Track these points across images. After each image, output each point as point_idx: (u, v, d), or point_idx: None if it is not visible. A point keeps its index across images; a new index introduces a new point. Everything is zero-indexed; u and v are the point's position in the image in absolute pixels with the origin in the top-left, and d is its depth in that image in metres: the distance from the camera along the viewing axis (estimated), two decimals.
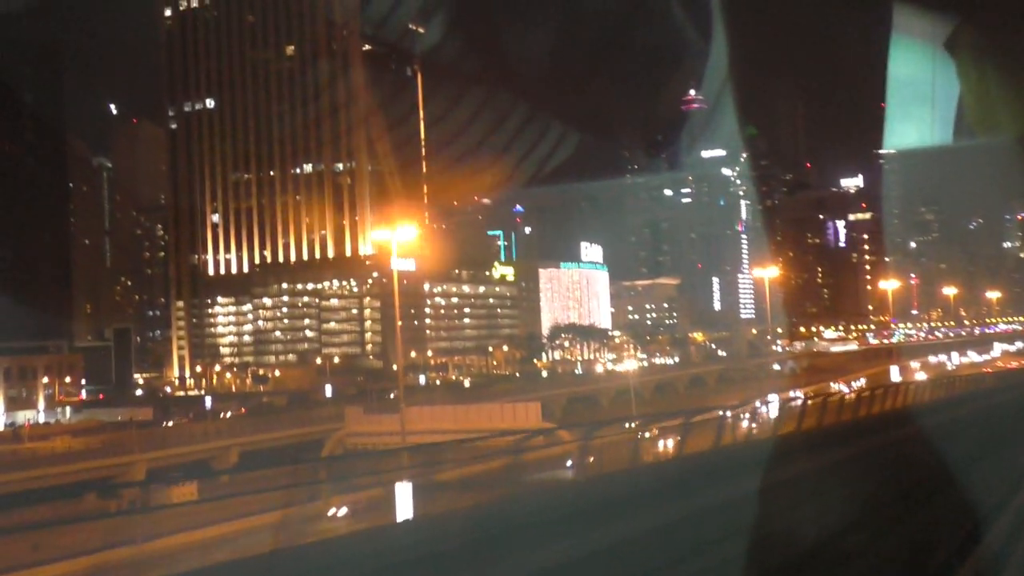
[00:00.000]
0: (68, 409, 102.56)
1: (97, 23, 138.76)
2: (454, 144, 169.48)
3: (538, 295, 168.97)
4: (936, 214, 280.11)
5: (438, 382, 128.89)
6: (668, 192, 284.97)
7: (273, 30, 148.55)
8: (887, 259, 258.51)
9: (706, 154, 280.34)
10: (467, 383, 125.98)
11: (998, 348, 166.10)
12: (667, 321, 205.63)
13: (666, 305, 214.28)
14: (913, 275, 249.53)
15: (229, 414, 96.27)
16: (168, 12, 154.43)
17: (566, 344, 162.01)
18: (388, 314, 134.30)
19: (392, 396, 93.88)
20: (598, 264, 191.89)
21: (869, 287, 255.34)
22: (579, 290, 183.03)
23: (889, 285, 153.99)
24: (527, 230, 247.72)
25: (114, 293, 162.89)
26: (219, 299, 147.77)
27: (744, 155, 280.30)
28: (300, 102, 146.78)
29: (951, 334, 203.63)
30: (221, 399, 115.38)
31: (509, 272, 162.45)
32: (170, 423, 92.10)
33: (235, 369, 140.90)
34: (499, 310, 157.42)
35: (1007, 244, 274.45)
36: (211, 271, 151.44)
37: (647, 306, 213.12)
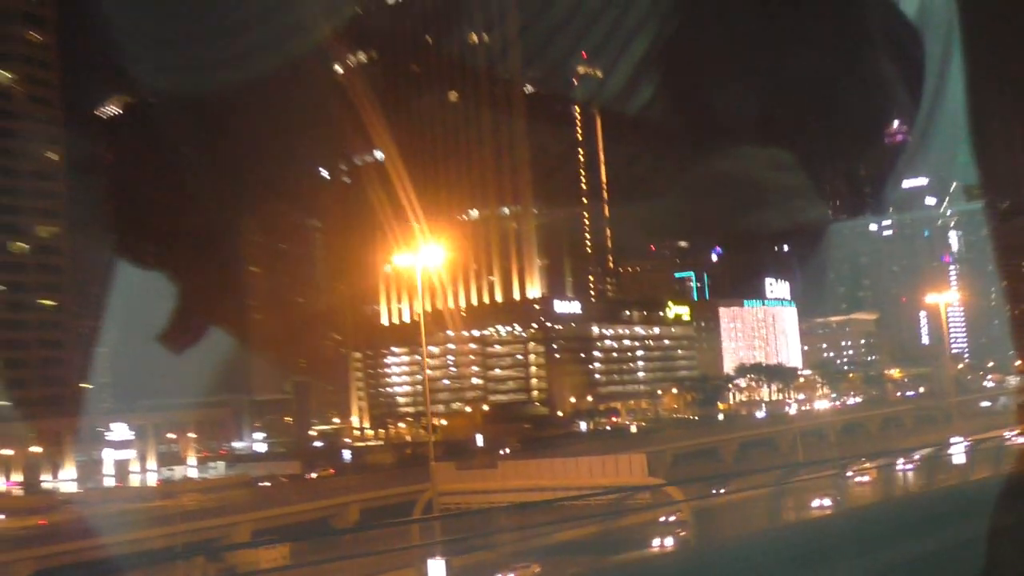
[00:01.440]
0: (222, 464, 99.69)
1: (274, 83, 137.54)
2: (640, 188, 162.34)
3: (719, 334, 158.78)
4: None
5: (607, 428, 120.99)
6: (872, 227, 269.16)
7: (436, 78, 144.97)
8: None
9: (908, 184, 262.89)
10: (633, 428, 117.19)
11: None
12: (868, 358, 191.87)
13: (863, 342, 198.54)
14: None
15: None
16: (337, 68, 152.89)
17: (752, 384, 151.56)
18: (553, 358, 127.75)
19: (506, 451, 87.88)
20: (785, 300, 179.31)
21: None
22: (765, 328, 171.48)
23: None
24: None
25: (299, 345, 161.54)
26: (393, 349, 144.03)
27: (954, 184, 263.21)
28: (465, 149, 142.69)
29: None
30: (380, 450, 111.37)
31: (684, 312, 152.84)
32: (313, 475, 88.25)
33: (409, 418, 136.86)
34: (677, 351, 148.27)
35: None
36: (384, 321, 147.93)
37: (843, 343, 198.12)
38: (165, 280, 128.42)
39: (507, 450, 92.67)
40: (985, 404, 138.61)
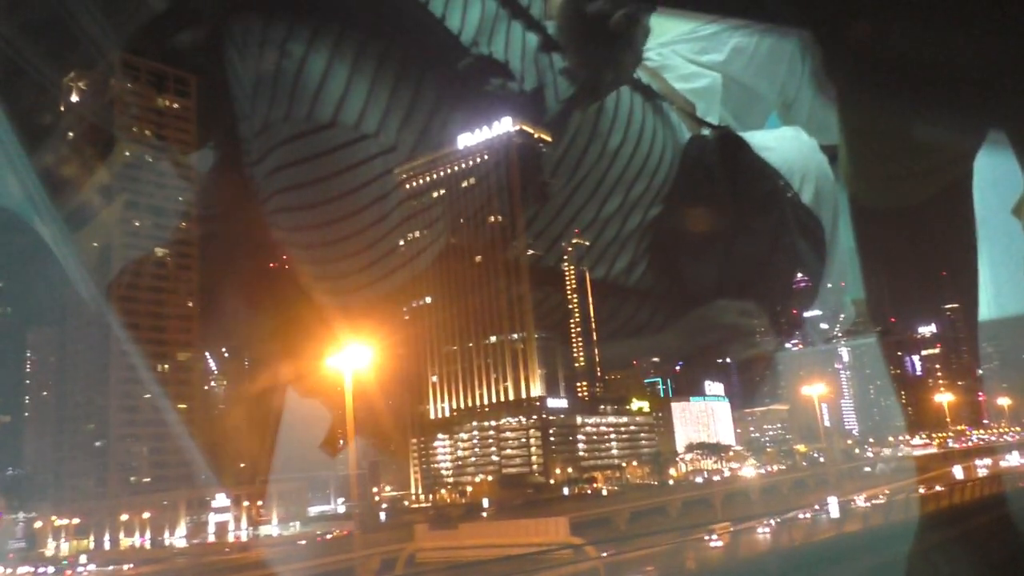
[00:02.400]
0: (298, 523, 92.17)
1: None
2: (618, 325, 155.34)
3: (671, 422, 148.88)
4: (995, 348, 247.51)
5: (588, 491, 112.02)
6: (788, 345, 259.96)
7: (467, 246, 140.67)
8: (959, 383, 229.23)
9: (808, 314, 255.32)
10: (604, 492, 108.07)
11: None
12: (786, 437, 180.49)
13: (779, 425, 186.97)
14: (980, 393, 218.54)
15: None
16: (401, 242, 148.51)
17: (696, 458, 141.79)
18: (548, 441, 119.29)
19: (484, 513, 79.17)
20: (720, 396, 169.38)
21: (945, 404, 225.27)
22: (706, 417, 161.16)
23: (944, 398, 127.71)
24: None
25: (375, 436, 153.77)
26: (438, 435, 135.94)
27: (842, 315, 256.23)
28: (487, 294, 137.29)
29: (1014, 437, 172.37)
30: (417, 511, 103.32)
31: (645, 405, 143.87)
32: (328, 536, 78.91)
33: (448, 487, 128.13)
34: (640, 435, 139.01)
35: None
36: (432, 416, 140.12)
37: (765, 427, 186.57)
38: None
39: (484, 513, 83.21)
40: (867, 469, 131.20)
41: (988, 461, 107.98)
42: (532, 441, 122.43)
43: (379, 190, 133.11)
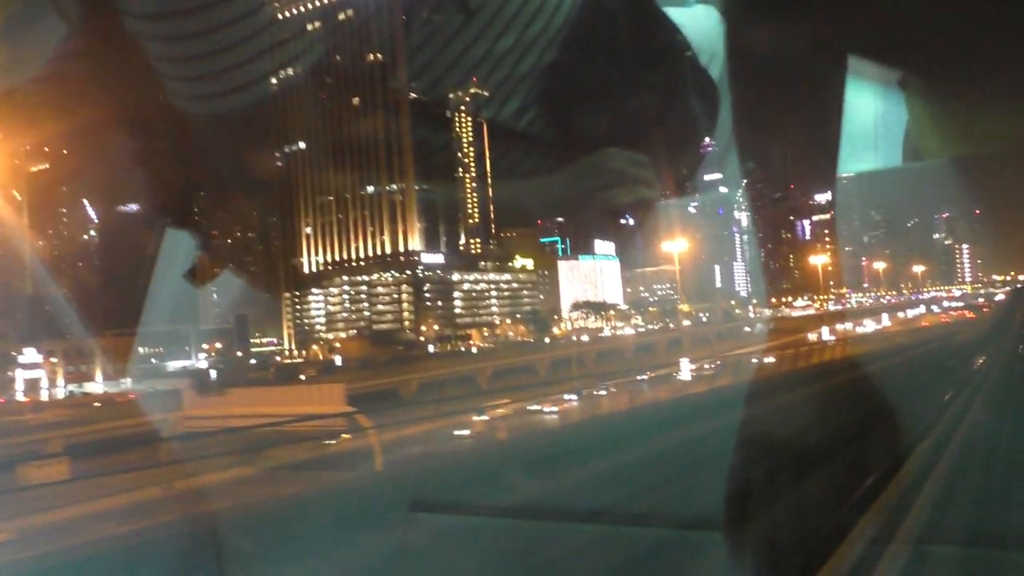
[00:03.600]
0: (130, 381, 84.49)
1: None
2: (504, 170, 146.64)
3: (558, 281, 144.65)
4: (883, 216, 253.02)
5: (461, 348, 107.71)
6: (691, 209, 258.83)
7: (344, 87, 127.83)
8: (846, 248, 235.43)
9: (708, 177, 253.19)
10: (474, 350, 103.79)
11: (923, 308, 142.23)
12: (673, 297, 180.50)
13: (668, 285, 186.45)
14: (864, 258, 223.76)
15: None
16: (273, 80, 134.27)
17: (582, 316, 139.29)
18: (421, 297, 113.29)
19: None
20: (610, 256, 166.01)
21: (831, 268, 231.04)
22: (595, 276, 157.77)
23: (819, 260, 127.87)
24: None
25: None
26: (312, 290, 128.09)
27: (744, 181, 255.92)
28: (365, 141, 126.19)
29: (891, 300, 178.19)
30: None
31: (529, 263, 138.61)
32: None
33: (321, 342, 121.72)
34: (523, 292, 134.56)
35: (935, 235, 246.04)
36: (306, 269, 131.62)
37: (655, 286, 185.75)
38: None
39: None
40: (746, 329, 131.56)
41: (861, 322, 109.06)
42: (404, 297, 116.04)
43: (251, 24, 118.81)
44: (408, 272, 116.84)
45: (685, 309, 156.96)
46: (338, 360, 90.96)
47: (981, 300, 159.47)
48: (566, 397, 37.90)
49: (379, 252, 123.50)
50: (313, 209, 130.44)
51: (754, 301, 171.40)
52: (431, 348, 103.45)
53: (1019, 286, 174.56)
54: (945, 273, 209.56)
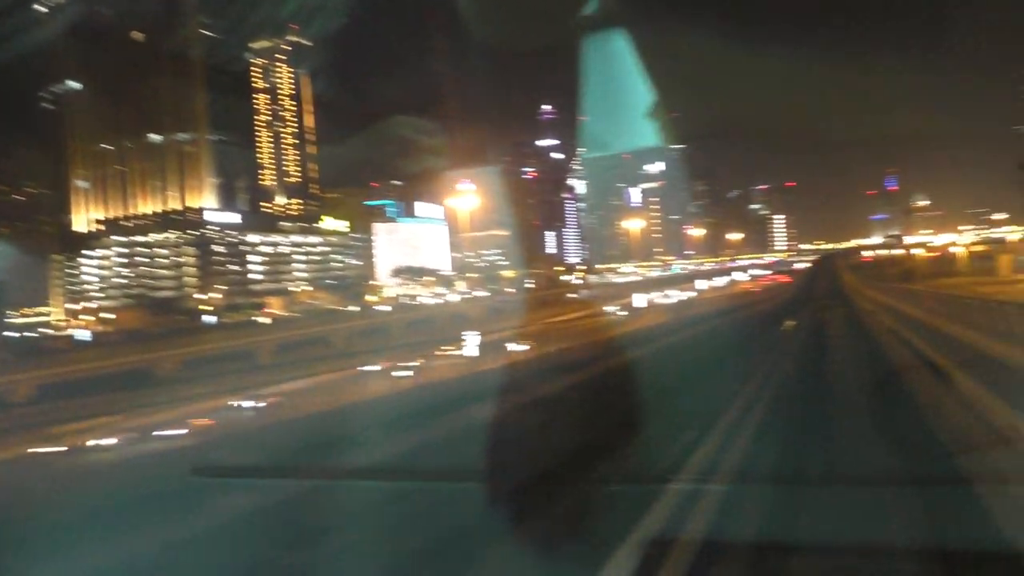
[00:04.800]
0: None
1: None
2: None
3: (374, 245, 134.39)
4: (708, 186, 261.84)
5: (255, 319, 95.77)
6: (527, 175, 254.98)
7: (123, 18, 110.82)
8: (671, 216, 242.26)
9: (541, 143, 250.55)
10: (269, 320, 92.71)
11: (736, 275, 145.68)
12: (501, 263, 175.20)
13: (498, 251, 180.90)
14: (688, 226, 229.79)
15: None
16: (43, 8, 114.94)
17: (403, 282, 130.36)
18: (209, 261, 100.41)
19: None
20: (436, 219, 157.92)
21: (659, 235, 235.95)
22: (418, 240, 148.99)
23: (633, 224, 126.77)
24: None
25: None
26: (85, 252, 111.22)
27: (579, 148, 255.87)
28: (151, 83, 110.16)
29: (714, 266, 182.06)
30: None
31: (342, 225, 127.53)
32: None
33: (93, 312, 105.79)
34: (335, 257, 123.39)
35: (752, 206, 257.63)
36: (78, 227, 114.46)
37: (484, 252, 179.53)
38: None
39: None
40: (573, 296, 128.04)
41: (675, 288, 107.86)
42: (188, 260, 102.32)
43: None
44: (194, 232, 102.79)
45: (510, 275, 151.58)
46: (86, 334, 76.95)
47: (790, 268, 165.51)
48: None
49: (164, 210, 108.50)
50: (89, 159, 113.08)
51: (582, 267, 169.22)
52: (213, 319, 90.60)
53: (824, 255, 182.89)
54: (760, 241, 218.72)
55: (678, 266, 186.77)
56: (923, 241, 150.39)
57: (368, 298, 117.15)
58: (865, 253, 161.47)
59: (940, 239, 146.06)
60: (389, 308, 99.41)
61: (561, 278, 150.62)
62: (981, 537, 5.86)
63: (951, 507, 6.69)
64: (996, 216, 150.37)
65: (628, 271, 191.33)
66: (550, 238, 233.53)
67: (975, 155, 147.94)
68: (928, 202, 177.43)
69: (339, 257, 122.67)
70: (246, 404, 31.22)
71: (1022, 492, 7.18)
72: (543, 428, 12.89)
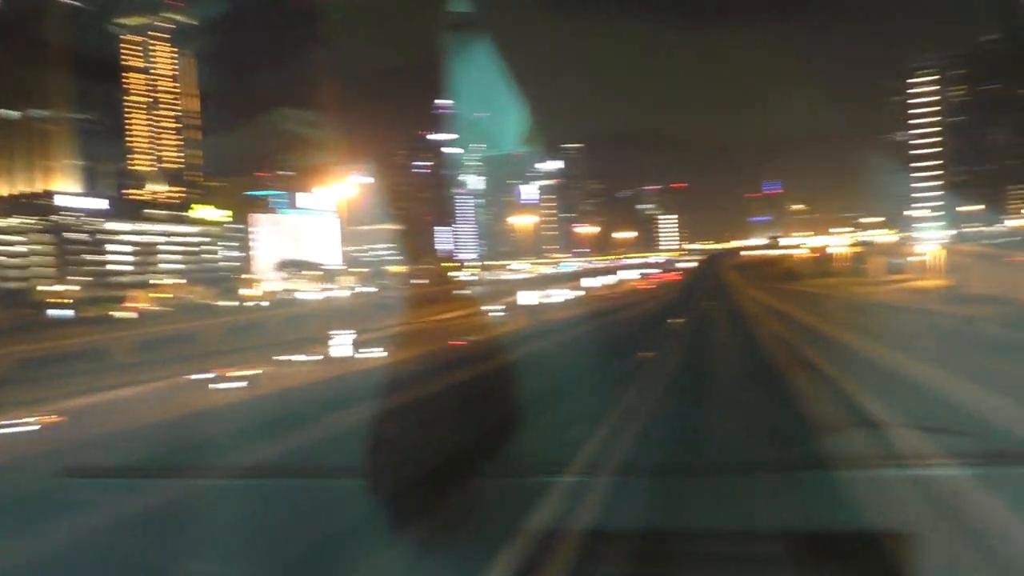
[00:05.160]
0: None
1: None
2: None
3: (252, 237, 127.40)
4: (602, 185, 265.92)
5: (111, 315, 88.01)
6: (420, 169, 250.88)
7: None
8: (565, 214, 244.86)
9: (432, 137, 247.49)
10: (135, 315, 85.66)
11: (624, 274, 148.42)
12: (390, 258, 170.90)
13: (390, 246, 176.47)
14: (581, 224, 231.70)
15: None
16: None
17: (286, 276, 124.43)
18: (63, 250, 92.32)
19: None
20: (324, 212, 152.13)
21: (554, 233, 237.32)
22: (303, 232, 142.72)
23: (523, 221, 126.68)
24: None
25: None
26: None
27: (478, 145, 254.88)
28: (4, 53, 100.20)
29: (601, 264, 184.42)
30: None
31: (222, 215, 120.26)
32: None
33: None
34: (210, 249, 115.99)
35: (643, 206, 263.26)
36: None
37: (375, 246, 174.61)
38: None
39: None
40: (466, 292, 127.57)
41: (562, 286, 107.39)
42: (39, 248, 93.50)
43: None
44: (46, 218, 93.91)
45: (399, 271, 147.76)
46: None
47: (676, 267, 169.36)
48: None
49: (12, 193, 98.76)
50: None
51: (475, 264, 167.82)
52: (70, 312, 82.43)
53: (710, 255, 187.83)
54: (650, 241, 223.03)
55: (569, 264, 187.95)
56: (799, 243, 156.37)
57: (246, 292, 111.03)
58: (745, 253, 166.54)
59: (815, 241, 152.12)
60: (266, 303, 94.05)
61: (451, 274, 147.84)
62: (844, 518, 6.19)
63: (817, 490, 7.03)
64: (865, 220, 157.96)
65: (520, 268, 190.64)
66: (444, 233, 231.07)
67: (848, 161, 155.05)
68: (805, 205, 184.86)
69: (216, 249, 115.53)
70: None
71: (881, 474, 7.69)
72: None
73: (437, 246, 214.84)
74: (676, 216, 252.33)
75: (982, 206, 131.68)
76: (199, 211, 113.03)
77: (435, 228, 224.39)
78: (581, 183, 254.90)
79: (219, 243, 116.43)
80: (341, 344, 46.22)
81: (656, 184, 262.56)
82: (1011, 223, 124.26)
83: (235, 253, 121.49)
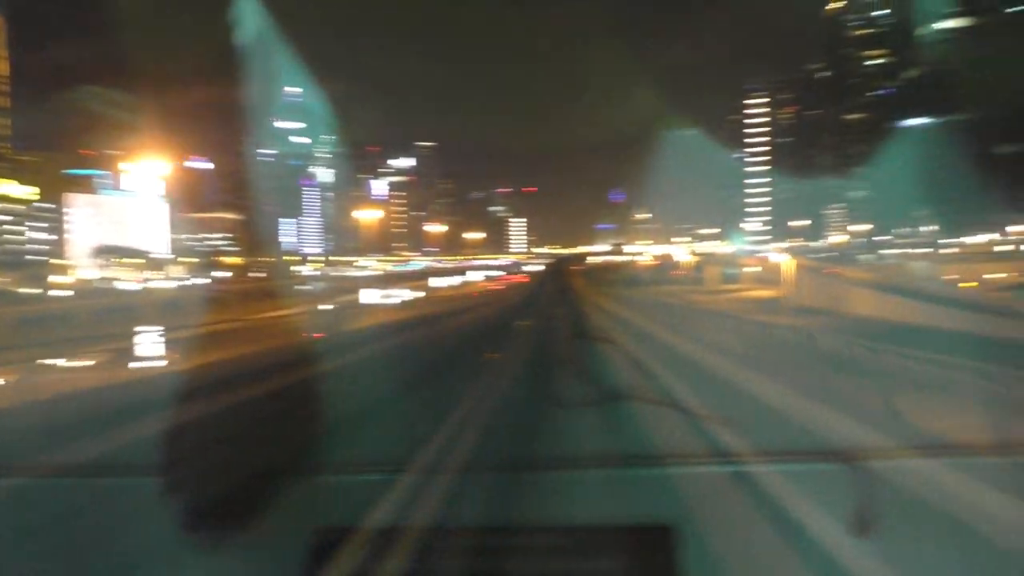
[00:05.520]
0: None
1: None
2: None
3: (65, 218, 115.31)
4: (455, 185, 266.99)
5: None
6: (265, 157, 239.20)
7: None
8: (415, 212, 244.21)
9: (280, 125, 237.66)
10: None
11: (471, 275, 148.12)
12: (226, 248, 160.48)
13: (226, 235, 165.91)
14: (430, 223, 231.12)
15: None
16: None
17: (107, 263, 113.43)
18: None
19: None
20: (152, 196, 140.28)
21: (403, 230, 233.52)
22: (128, 216, 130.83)
23: (369, 215, 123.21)
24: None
25: None
26: None
27: (331, 137, 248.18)
28: None
29: (449, 264, 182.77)
30: None
31: (26, 192, 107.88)
32: None
33: None
34: (11, 229, 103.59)
35: (494, 208, 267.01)
36: None
37: (210, 235, 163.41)
38: None
39: None
40: (306, 287, 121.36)
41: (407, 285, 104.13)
42: None
43: None
44: None
45: (234, 262, 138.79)
46: None
47: (521, 270, 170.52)
48: None
49: None
50: None
51: (318, 258, 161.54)
52: None
53: (557, 259, 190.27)
54: (499, 242, 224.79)
55: (417, 263, 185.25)
56: (642, 250, 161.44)
57: (56, 280, 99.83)
58: (591, 259, 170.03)
59: (657, 249, 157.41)
60: (72, 292, 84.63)
61: (292, 268, 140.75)
62: (658, 511, 6.42)
63: (642, 484, 7.53)
64: (703, 231, 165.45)
65: (366, 264, 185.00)
66: (289, 225, 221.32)
67: (689, 174, 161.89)
68: (648, 214, 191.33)
69: (22, 230, 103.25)
70: None
71: (704, 469, 8.38)
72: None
73: (281, 239, 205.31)
74: (526, 219, 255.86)
75: (808, 221, 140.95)
76: (0, 187, 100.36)
77: (279, 220, 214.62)
78: (433, 182, 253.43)
79: (25, 223, 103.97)
80: (138, 344, 41.13)
81: (508, 187, 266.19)
82: (832, 239, 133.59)
83: (45, 236, 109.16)
